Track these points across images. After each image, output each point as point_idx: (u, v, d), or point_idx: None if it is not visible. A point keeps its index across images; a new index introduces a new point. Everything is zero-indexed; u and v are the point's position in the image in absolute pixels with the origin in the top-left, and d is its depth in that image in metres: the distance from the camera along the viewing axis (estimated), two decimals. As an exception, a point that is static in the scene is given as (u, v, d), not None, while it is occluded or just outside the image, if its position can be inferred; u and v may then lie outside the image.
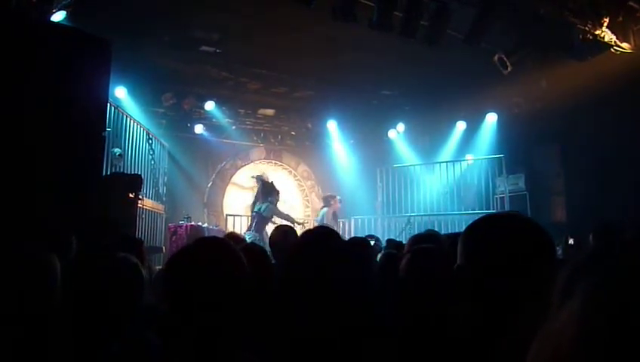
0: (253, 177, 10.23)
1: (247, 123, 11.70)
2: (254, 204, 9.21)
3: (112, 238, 2.76)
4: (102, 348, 1.44)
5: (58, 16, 5.71)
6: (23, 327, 1.73)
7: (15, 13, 4.87)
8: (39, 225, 3.57)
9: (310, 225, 11.40)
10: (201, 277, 1.30)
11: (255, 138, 12.07)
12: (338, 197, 10.05)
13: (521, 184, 9.42)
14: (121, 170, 7.63)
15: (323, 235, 2.04)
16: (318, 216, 10.14)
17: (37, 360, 1.62)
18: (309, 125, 12.26)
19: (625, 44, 6.91)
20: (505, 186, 9.51)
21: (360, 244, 3.39)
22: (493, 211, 9.36)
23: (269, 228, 7.64)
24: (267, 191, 9.03)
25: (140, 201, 6.70)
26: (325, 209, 9.72)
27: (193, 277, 1.30)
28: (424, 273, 2.08)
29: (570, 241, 3.09)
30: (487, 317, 0.97)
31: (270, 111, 11.62)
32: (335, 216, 9.86)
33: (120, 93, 8.87)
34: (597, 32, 6.66)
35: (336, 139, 12.27)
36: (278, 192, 9.12)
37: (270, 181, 9.46)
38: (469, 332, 1.03)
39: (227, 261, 1.35)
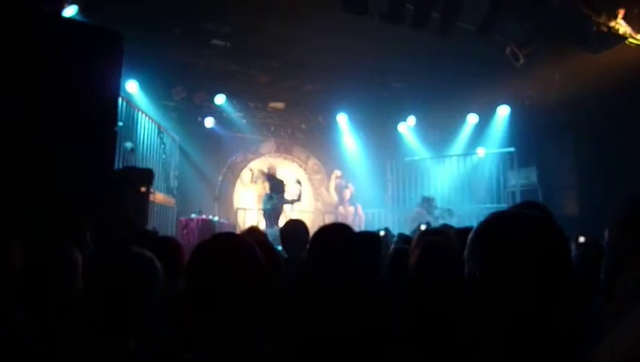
0: (253, 174, 10.23)
1: (258, 117, 11.72)
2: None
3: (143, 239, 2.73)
4: (118, 343, 1.46)
5: (70, 11, 5.75)
6: (47, 316, 1.74)
7: (27, 7, 4.88)
8: (53, 221, 3.60)
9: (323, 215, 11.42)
10: (219, 273, 1.32)
11: (265, 132, 12.08)
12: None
13: (533, 178, 9.35)
14: (133, 164, 7.67)
15: (338, 231, 2.05)
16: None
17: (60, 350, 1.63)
18: (320, 119, 12.24)
19: (640, 36, 6.81)
20: (516, 180, 9.44)
21: (371, 238, 3.38)
22: (504, 206, 9.31)
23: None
24: (272, 185, 9.02)
25: (151, 195, 6.73)
26: None
27: (212, 274, 1.33)
28: (435, 267, 2.06)
29: (581, 239, 2.96)
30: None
31: (280, 105, 11.62)
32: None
33: (131, 87, 8.90)
34: (611, 24, 6.56)
35: (347, 132, 12.24)
36: (281, 182, 9.12)
37: (271, 173, 9.43)
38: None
39: (245, 257, 1.37)
